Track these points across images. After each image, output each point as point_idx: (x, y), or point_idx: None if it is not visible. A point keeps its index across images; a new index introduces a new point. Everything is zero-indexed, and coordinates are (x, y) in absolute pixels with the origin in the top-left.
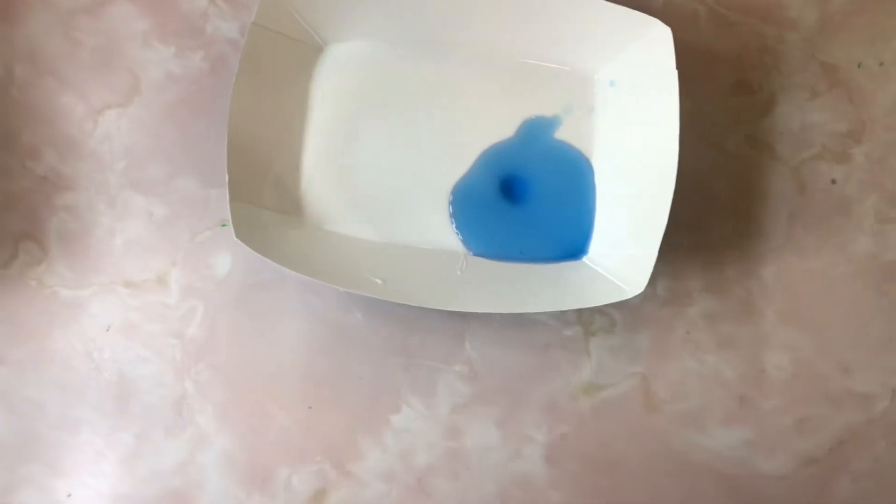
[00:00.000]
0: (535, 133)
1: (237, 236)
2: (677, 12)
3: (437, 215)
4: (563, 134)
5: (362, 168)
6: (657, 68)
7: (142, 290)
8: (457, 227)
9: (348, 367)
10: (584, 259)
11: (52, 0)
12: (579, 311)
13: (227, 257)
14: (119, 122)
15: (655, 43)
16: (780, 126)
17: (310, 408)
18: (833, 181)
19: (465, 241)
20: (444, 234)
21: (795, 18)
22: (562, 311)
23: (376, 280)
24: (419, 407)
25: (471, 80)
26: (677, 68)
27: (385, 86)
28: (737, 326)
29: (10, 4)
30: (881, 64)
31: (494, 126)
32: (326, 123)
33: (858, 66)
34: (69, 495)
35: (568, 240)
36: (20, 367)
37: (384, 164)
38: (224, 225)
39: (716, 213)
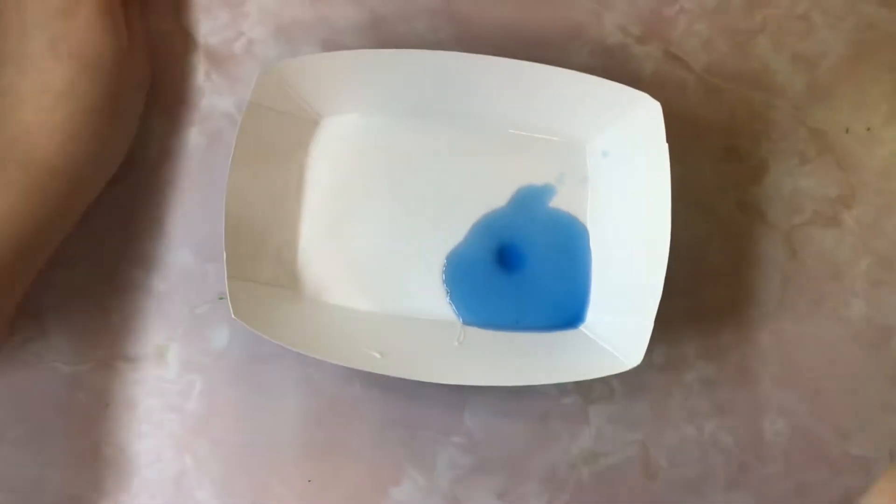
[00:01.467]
0: (529, 202)
1: (235, 315)
2: (666, 80)
3: (432, 285)
4: (556, 203)
5: (358, 239)
6: (648, 140)
7: (140, 364)
8: (450, 297)
9: (347, 439)
10: (582, 328)
11: None
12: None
13: (225, 331)
14: (114, 197)
15: (646, 116)
16: (770, 192)
17: (309, 481)
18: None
19: (459, 311)
20: (439, 305)
21: (783, 85)
22: None
23: (374, 354)
24: (420, 479)
25: (464, 150)
26: (668, 135)
27: (380, 157)
28: (734, 392)
29: None
30: (868, 129)
31: (488, 195)
32: (322, 196)
33: (846, 131)
34: None
35: (564, 308)
36: (18, 445)
37: (379, 235)
38: (221, 298)
39: (709, 279)
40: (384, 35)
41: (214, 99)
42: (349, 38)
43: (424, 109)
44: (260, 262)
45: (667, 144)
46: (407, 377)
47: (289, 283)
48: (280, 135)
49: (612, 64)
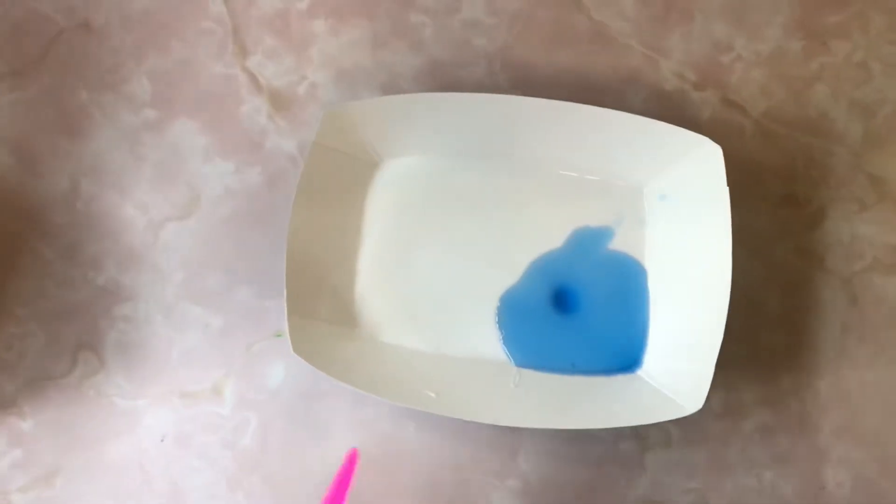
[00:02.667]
0: (585, 243)
1: (295, 351)
2: (723, 126)
3: (486, 326)
4: (613, 246)
5: (415, 279)
6: (708, 184)
7: (197, 400)
8: (503, 339)
9: (400, 480)
10: (639, 373)
11: (118, 117)
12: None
13: (281, 368)
14: (179, 234)
15: (706, 160)
16: (829, 238)
17: None
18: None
19: (512, 353)
20: (493, 346)
21: (841, 132)
22: None
23: (430, 394)
24: None
25: (520, 190)
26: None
27: (436, 199)
28: (793, 441)
29: (78, 121)
30: None
31: (543, 236)
32: (381, 236)
33: None
34: None
35: (621, 352)
36: (76, 476)
37: (436, 276)
38: (279, 335)
39: (767, 325)
40: (442, 80)
41: (277, 140)
42: (408, 82)
43: (481, 151)
44: (319, 300)
45: (728, 188)
46: (462, 417)
47: (346, 321)
48: (341, 175)
49: (669, 110)
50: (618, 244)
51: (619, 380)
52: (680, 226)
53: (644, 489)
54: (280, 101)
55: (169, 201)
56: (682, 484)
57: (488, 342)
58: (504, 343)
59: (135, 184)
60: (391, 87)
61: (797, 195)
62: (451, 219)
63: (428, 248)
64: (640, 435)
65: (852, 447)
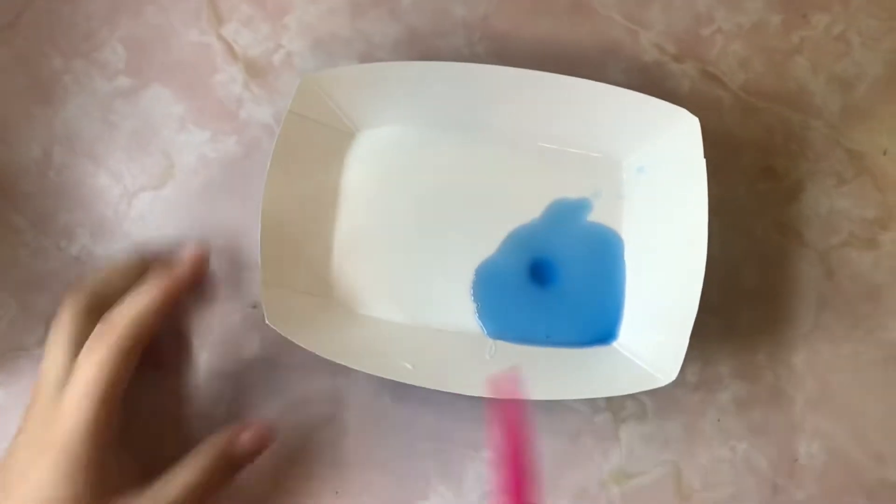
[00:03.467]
0: (563, 215)
1: (269, 321)
2: (702, 99)
3: (462, 298)
4: (591, 218)
5: (390, 250)
6: (686, 157)
7: (171, 372)
8: (478, 311)
9: (376, 452)
10: (615, 344)
11: (90, 84)
12: (609, 397)
13: (257, 339)
14: (153, 204)
15: (684, 132)
16: (807, 212)
17: (336, 493)
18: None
19: (487, 325)
20: (469, 318)
21: (820, 105)
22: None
23: (406, 365)
24: (448, 494)
25: (498, 162)
26: (704, 154)
27: (414, 169)
28: (768, 413)
29: (50, 88)
30: None
31: (521, 208)
32: (357, 206)
33: (884, 153)
34: None
35: (597, 324)
36: None
37: (412, 247)
38: (255, 307)
39: (744, 299)
40: (420, 49)
41: (253, 109)
42: (386, 52)
43: (458, 122)
44: (294, 271)
45: (704, 160)
46: (438, 388)
47: (322, 292)
48: (317, 145)
49: (648, 82)
50: (596, 217)
51: (594, 351)
52: (657, 198)
53: (618, 461)
54: (256, 70)
55: (143, 170)
56: (656, 456)
57: (463, 314)
58: (478, 315)
59: (108, 152)
60: (369, 57)
61: (775, 169)
62: (428, 190)
63: (404, 219)
64: (615, 407)
65: (826, 419)
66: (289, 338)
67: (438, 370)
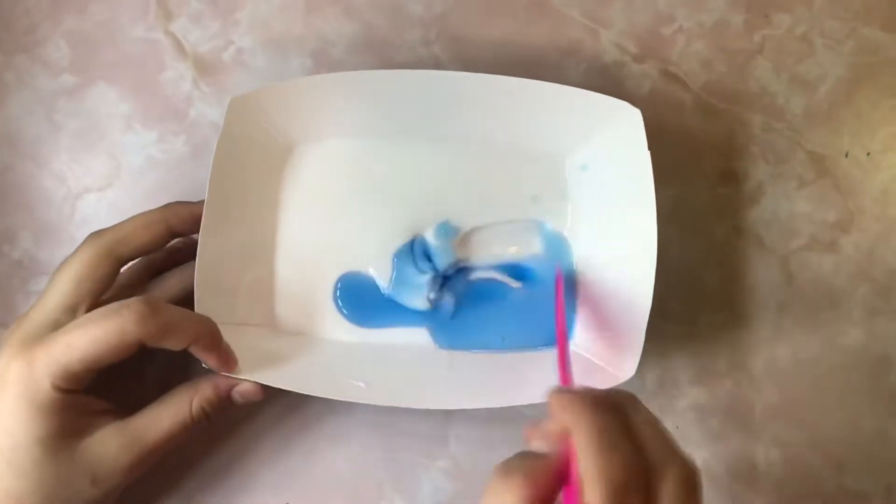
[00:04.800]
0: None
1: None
2: (663, 100)
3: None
4: (538, 218)
5: (336, 267)
6: (630, 151)
7: None
8: (430, 322)
9: (329, 462)
10: (570, 344)
11: (33, 82)
12: None
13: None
14: (97, 207)
15: (626, 125)
16: (767, 215)
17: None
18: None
19: (439, 337)
20: (421, 331)
21: (782, 107)
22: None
23: (359, 384)
24: None
25: (441, 168)
26: (663, 156)
27: (355, 181)
28: (727, 420)
29: None
30: (868, 154)
31: (468, 215)
32: (299, 225)
33: (846, 155)
34: None
35: (550, 326)
36: None
37: (357, 262)
38: None
39: (704, 304)
40: (375, 47)
41: (202, 108)
42: (339, 50)
43: (397, 129)
44: (233, 302)
45: (649, 151)
46: (393, 405)
47: (265, 319)
48: (252, 166)
49: (609, 82)
50: (543, 217)
51: (550, 354)
52: (604, 195)
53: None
54: (205, 68)
55: (88, 172)
56: None
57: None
58: (432, 327)
59: (52, 153)
60: (322, 54)
61: (736, 171)
62: (371, 202)
63: (348, 232)
64: None
65: (785, 427)
66: (232, 376)
67: (392, 386)
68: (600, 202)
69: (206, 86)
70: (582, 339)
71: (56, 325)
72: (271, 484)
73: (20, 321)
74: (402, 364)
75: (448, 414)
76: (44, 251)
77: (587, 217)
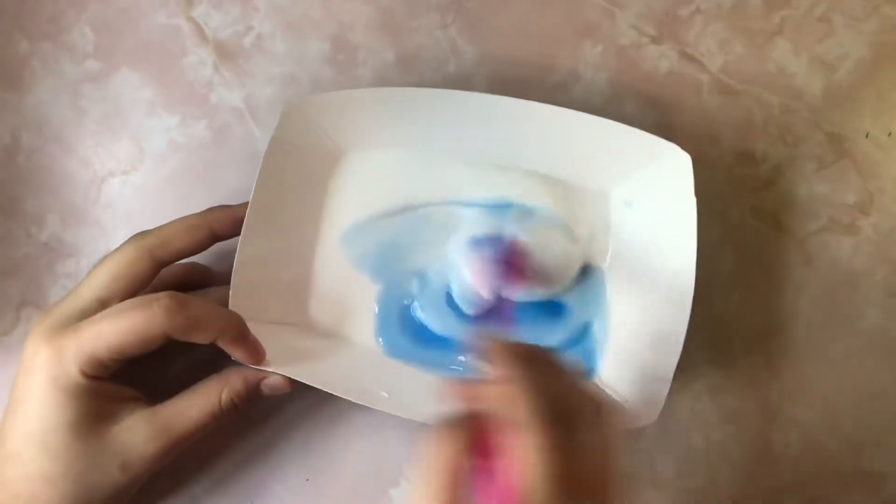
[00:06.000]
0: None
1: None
2: (681, 81)
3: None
4: (577, 250)
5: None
6: (675, 192)
7: None
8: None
9: (347, 439)
10: (595, 380)
11: (59, 68)
12: None
13: None
14: (122, 190)
15: (675, 167)
16: (785, 197)
17: (307, 480)
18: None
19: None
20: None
21: (801, 88)
22: None
23: (382, 394)
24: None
25: (482, 188)
26: (680, 138)
27: (398, 193)
28: (743, 402)
29: (18, 73)
30: (889, 135)
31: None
32: (338, 231)
33: (866, 136)
34: None
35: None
36: None
37: (396, 274)
38: None
39: (720, 286)
40: (392, 31)
41: (223, 93)
42: (357, 34)
43: (443, 147)
44: (267, 302)
45: (695, 198)
46: (412, 418)
47: (298, 320)
48: (300, 170)
49: (626, 64)
50: (582, 248)
51: None
52: (644, 233)
53: None
54: (226, 53)
55: (112, 156)
56: (629, 444)
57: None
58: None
59: (77, 137)
60: (340, 39)
61: (754, 153)
62: (411, 215)
63: (387, 242)
64: None
65: (801, 408)
66: (261, 369)
67: (412, 399)
68: (641, 238)
69: (227, 70)
70: (608, 375)
71: (85, 315)
72: (293, 459)
73: (51, 309)
74: (426, 382)
75: None
76: (70, 234)
77: (626, 251)
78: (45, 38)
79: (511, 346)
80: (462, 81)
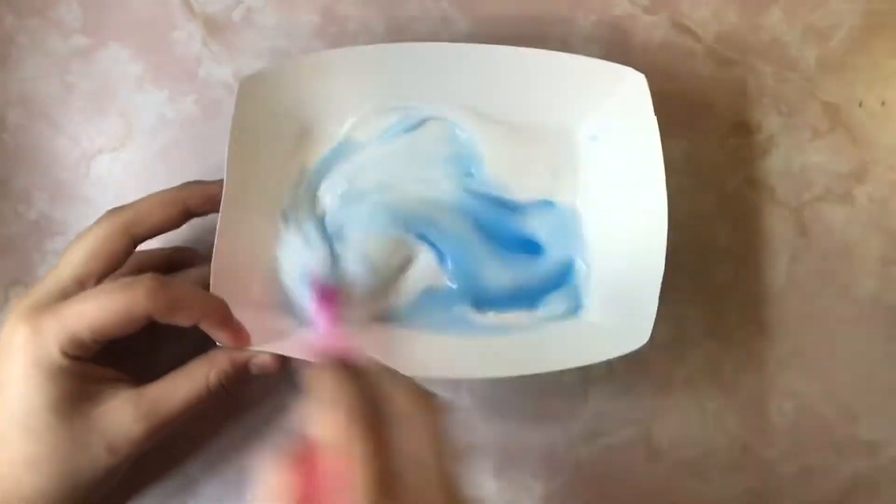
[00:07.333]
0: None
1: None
2: (674, 52)
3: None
4: (546, 192)
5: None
6: (636, 117)
7: None
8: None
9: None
10: (581, 314)
11: (46, 44)
12: None
13: None
14: (111, 167)
15: (631, 91)
16: (780, 167)
17: None
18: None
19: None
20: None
21: (795, 57)
22: None
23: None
24: None
25: (455, 142)
26: (675, 108)
27: (369, 159)
28: (738, 372)
29: (5, 49)
30: (883, 103)
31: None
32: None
33: (860, 105)
34: None
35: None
36: None
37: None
38: None
39: (715, 257)
40: (383, 2)
41: (212, 68)
42: (347, 5)
43: (410, 102)
44: (248, 281)
45: (655, 117)
46: (414, 375)
47: (280, 298)
48: (269, 146)
49: (619, 35)
50: (552, 189)
51: (563, 324)
52: (613, 165)
53: (587, 421)
54: (215, 27)
55: (101, 132)
56: (624, 415)
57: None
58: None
59: (65, 114)
60: (330, 12)
61: (748, 123)
62: (391, 178)
63: (366, 212)
64: (583, 367)
65: (797, 378)
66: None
67: (411, 357)
68: (610, 172)
69: (216, 45)
70: (594, 307)
71: (65, 296)
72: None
73: (29, 292)
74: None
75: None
76: (59, 211)
77: (598, 187)
78: (32, 13)
79: (323, 371)
80: None
